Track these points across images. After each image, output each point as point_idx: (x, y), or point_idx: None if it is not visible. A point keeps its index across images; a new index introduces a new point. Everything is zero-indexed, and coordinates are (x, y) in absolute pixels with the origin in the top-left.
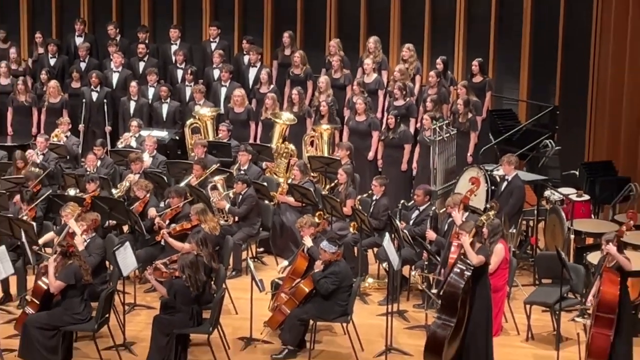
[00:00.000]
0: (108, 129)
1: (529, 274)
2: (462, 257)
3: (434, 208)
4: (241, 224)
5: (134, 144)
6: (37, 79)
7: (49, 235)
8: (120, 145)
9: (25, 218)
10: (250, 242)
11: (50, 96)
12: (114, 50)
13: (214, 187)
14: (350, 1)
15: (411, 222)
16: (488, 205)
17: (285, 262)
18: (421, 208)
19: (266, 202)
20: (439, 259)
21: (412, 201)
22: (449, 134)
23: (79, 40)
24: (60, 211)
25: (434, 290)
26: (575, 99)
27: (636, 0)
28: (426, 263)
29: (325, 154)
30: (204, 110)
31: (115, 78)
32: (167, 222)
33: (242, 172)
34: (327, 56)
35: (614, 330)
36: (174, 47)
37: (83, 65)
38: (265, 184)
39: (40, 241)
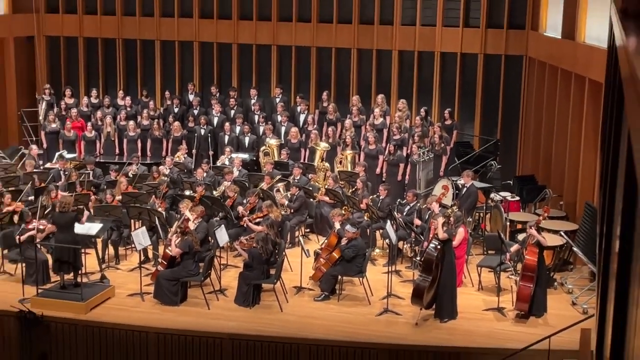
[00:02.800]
0: (211, 152)
1: (480, 247)
2: (435, 236)
3: (419, 204)
4: (295, 214)
5: (227, 162)
6: (166, 120)
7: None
8: (218, 163)
9: (159, 209)
10: (300, 226)
11: (174, 132)
12: (215, 102)
13: (278, 190)
14: (365, 73)
15: (404, 213)
16: (453, 203)
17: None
18: (411, 204)
19: (311, 200)
20: (421, 238)
21: (405, 200)
22: (429, 157)
23: (192, 96)
24: (179, 205)
25: (418, 257)
26: (510, 135)
27: (549, 72)
28: (413, 240)
29: (349, 170)
30: (272, 141)
31: (215, 120)
32: (248, 212)
33: (296, 180)
34: (351, 106)
35: (534, 284)
36: (252, 101)
37: (195, 112)
38: (310, 188)
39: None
